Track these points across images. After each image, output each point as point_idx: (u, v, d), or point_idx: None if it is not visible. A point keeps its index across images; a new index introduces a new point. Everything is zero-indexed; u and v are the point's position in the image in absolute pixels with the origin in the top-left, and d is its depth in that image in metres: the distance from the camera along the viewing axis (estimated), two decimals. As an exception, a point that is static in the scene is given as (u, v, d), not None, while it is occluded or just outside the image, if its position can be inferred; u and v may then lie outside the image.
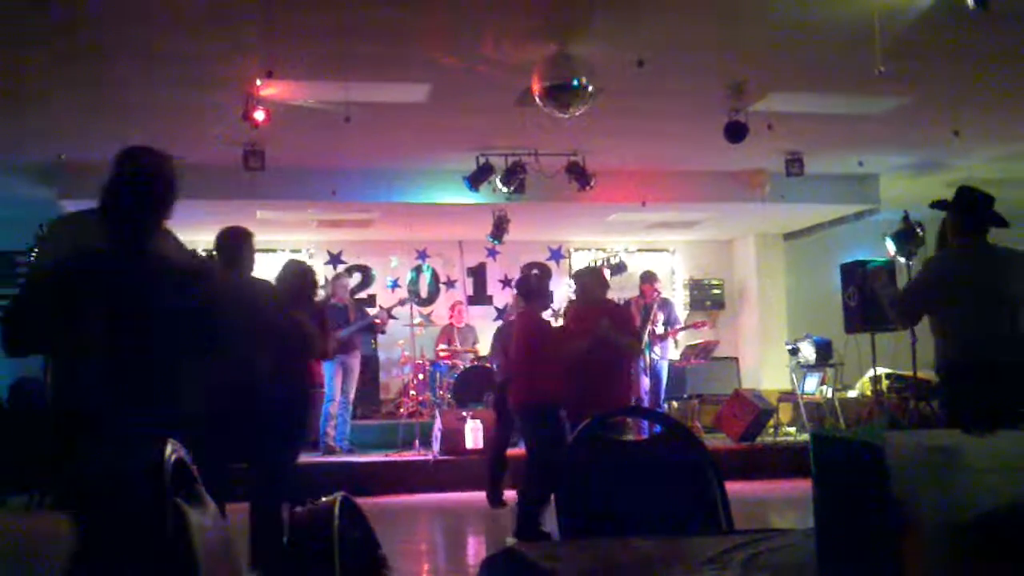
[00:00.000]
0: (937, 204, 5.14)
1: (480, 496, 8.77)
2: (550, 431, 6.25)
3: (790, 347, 11.63)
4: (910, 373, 9.78)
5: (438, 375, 11.32)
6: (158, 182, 3.43)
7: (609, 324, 6.40)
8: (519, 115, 7.85)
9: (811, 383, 11.53)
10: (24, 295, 3.48)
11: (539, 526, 6.28)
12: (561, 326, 7.21)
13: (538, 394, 6.47)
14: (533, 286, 6.83)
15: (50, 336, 3.26)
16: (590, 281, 6.90)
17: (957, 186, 5.17)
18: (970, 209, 5.03)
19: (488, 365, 10.38)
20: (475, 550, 7.37)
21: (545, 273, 6.97)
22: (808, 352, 11.35)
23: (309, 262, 12.74)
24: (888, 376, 11.01)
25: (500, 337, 8.88)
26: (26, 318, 3.29)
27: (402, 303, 11.07)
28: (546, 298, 6.90)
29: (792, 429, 11.55)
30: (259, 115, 7.37)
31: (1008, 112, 8.60)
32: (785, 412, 11.70)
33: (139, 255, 3.39)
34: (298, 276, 6.27)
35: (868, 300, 9.97)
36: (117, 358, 3.21)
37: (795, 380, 11.54)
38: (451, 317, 11.80)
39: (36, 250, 3.75)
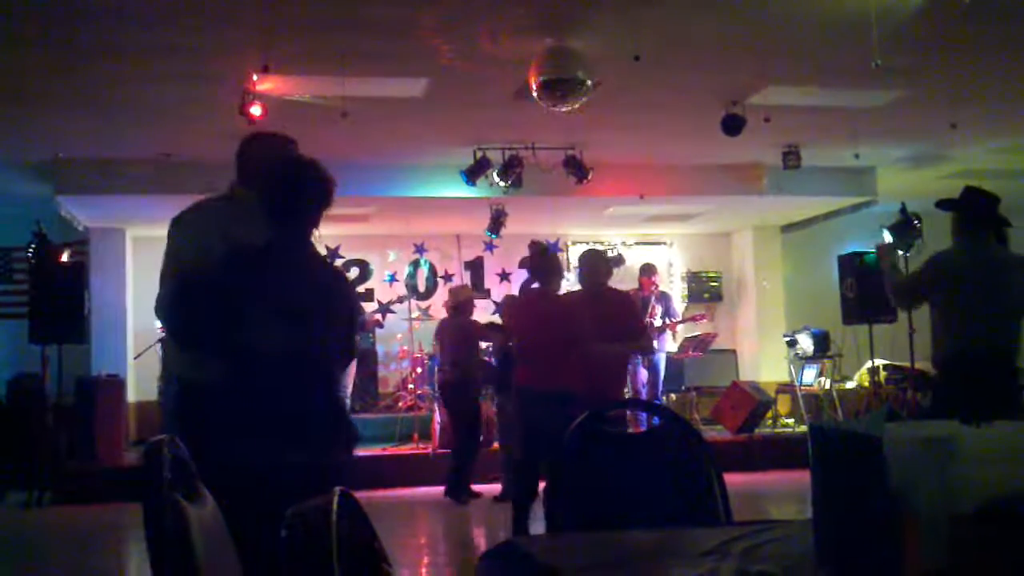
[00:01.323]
0: (942, 203, 5.14)
1: (480, 489, 8.80)
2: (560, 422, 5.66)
3: (788, 339, 11.63)
4: (908, 364, 9.79)
5: (436, 369, 11.30)
6: (324, 173, 3.22)
7: (601, 350, 6.01)
8: (516, 109, 7.84)
9: (809, 375, 11.54)
10: (180, 289, 3.19)
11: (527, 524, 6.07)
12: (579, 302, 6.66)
13: (559, 380, 5.85)
14: (553, 265, 6.33)
15: (212, 333, 3.03)
16: (599, 264, 6.41)
17: (964, 185, 5.16)
18: (973, 209, 5.03)
19: (434, 354, 10.37)
20: (474, 544, 7.38)
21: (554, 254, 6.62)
22: (806, 344, 11.37)
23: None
24: (886, 367, 11.01)
25: (443, 334, 8.86)
26: (186, 315, 3.08)
27: (400, 299, 11.04)
28: (561, 277, 6.39)
29: (790, 421, 11.57)
30: (255, 110, 7.35)
31: (1005, 105, 8.59)
32: (783, 404, 11.72)
33: (302, 251, 3.18)
34: None
35: (866, 291, 9.98)
36: (271, 357, 2.98)
37: (793, 372, 11.55)
38: (449, 311, 11.77)
39: (173, 238, 3.39)
